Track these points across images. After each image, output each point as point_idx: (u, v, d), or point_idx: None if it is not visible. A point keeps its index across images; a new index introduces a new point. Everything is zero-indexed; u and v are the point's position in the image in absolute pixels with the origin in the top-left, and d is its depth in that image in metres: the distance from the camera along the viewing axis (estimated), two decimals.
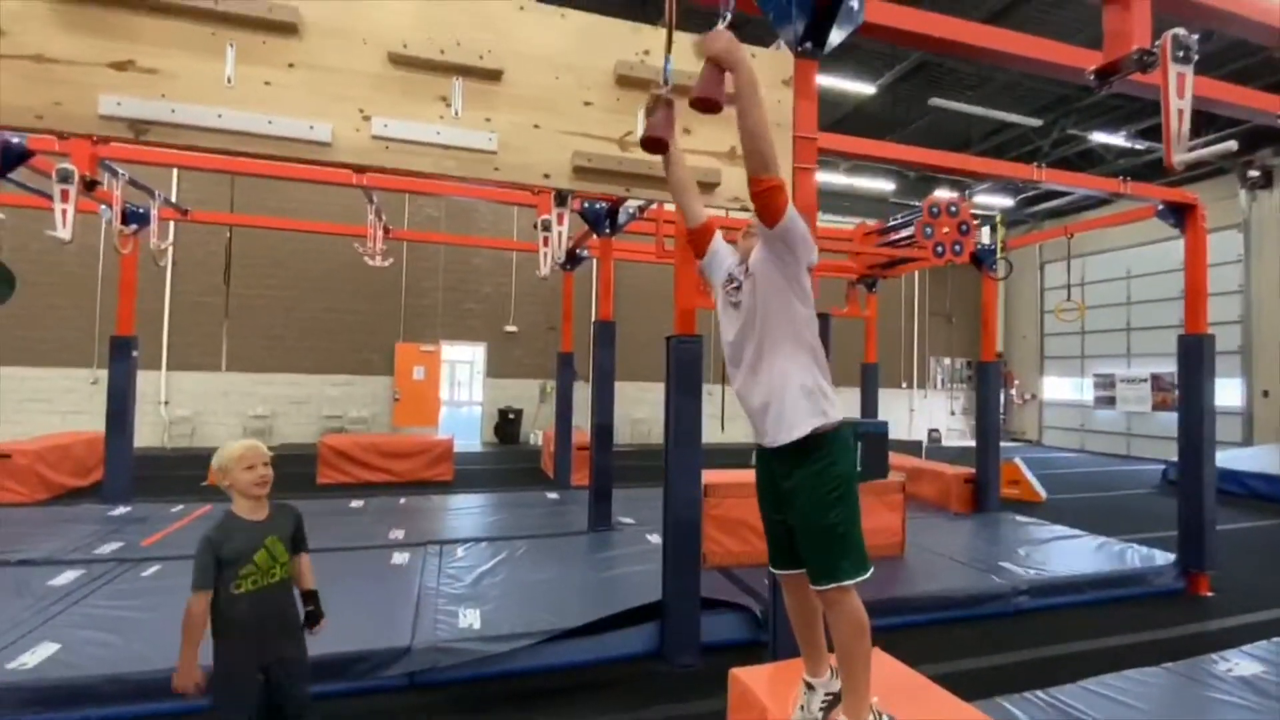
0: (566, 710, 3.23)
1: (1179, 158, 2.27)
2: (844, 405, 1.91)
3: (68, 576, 4.25)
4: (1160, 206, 5.45)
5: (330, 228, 8.89)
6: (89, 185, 4.22)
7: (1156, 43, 2.34)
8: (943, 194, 10.86)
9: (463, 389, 18.93)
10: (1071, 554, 5.59)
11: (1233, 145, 2.24)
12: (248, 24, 1.93)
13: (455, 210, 13.93)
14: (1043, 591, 4.74)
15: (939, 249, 5.21)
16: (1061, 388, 17.36)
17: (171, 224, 7.18)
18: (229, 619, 2.05)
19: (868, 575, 1.78)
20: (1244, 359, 12.96)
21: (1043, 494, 8.74)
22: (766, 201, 1.68)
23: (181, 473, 9.23)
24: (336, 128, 1.99)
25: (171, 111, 1.86)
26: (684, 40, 2.24)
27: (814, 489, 1.75)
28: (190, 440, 12.51)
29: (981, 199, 13.96)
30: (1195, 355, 5.24)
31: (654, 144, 1.86)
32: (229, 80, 1.92)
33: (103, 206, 5.38)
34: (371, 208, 6.61)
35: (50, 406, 11.99)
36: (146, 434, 12.13)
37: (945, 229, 5.25)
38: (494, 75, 2.14)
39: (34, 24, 1.80)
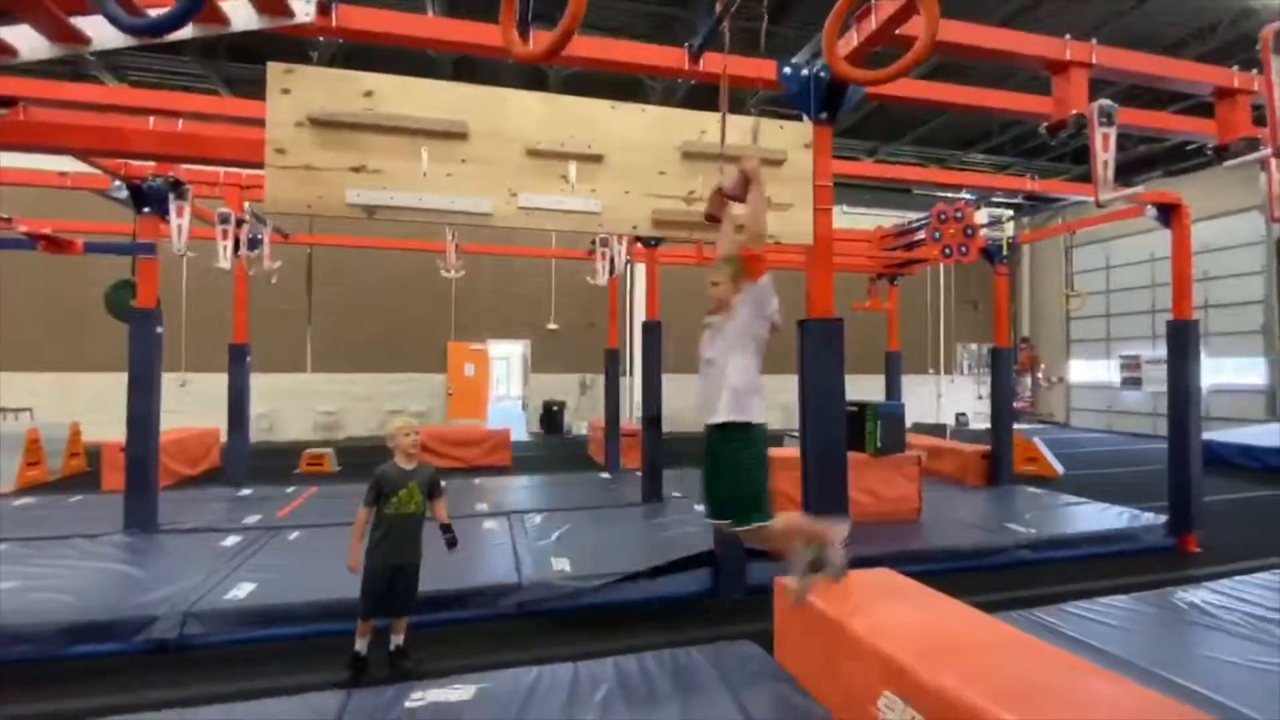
0: (643, 631, 4.11)
1: (1104, 197, 3.03)
2: (870, 391, 2.83)
3: (233, 539, 5.30)
4: (1151, 208, 6.08)
5: (400, 244, 9.93)
6: (239, 223, 5.23)
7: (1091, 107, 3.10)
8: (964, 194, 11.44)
9: (501, 384, 20.05)
10: (1073, 517, 6.29)
11: (1141, 189, 3.01)
12: (435, 134, 2.84)
13: None
14: (1041, 546, 5.47)
15: (947, 250, 5.93)
16: (1088, 370, 17.69)
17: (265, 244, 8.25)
18: (379, 528, 3.21)
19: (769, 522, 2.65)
20: (1266, 338, 13.25)
21: (1059, 469, 9.36)
22: (754, 266, 2.55)
23: (272, 462, 10.36)
24: (495, 202, 2.89)
25: (390, 198, 2.78)
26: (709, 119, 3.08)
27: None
28: (270, 435, 13.77)
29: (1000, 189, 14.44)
30: (1182, 338, 5.87)
31: (711, 219, 2.77)
32: (424, 174, 2.83)
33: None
34: (452, 230, 7.58)
35: None
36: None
37: (951, 232, 5.97)
38: (597, 158, 3.01)
39: (304, 145, 2.73)
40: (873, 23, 2.77)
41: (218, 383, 13.18)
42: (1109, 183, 3.03)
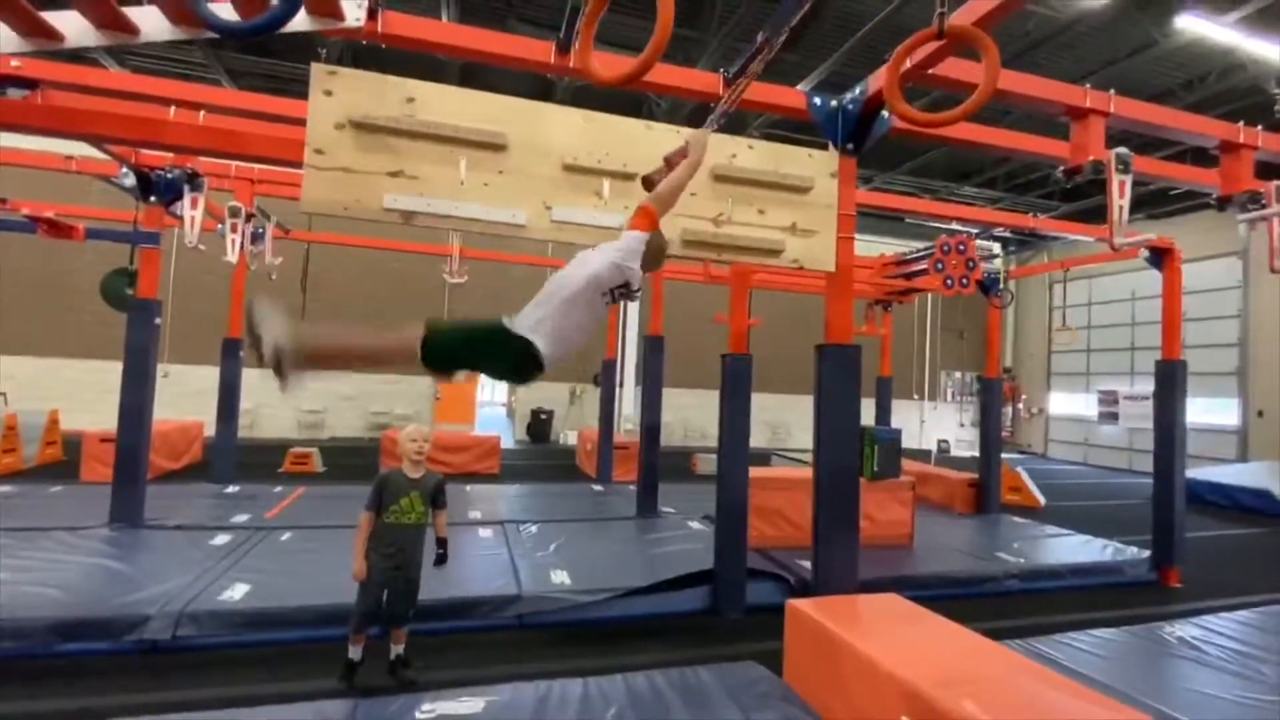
0: (641, 648, 4.10)
1: (1119, 241, 3.14)
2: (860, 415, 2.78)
3: (223, 539, 5.19)
4: (1145, 252, 6.27)
5: (399, 245, 9.87)
6: (248, 218, 5.18)
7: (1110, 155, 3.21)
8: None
9: (486, 389, 19.89)
10: (1058, 548, 6.41)
11: (1152, 237, 3.11)
12: (474, 144, 2.85)
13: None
14: (1030, 577, 5.57)
15: (948, 282, 6.06)
16: (1067, 403, 18.07)
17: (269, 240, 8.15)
18: (377, 537, 3.15)
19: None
20: (1240, 380, 13.67)
21: (1041, 500, 9.53)
22: (640, 219, 2.25)
23: (256, 459, 10.16)
24: (530, 214, 2.91)
25: (427, 205, 2.79)
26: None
27: None
28: (250, 431, 13.50)
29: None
30: (1169, 378, 6.04)
31: (646, 182, 2.54)
32: (462, 182, 2.84)
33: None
34: (456, 235, 7.56)
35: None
36: (211, 424, 13.23)
37: (954, 263, 6.10)
38: (631, 176, 3.05)
39: (343, 148, 2.73)
40: (907, 62, 2.85)
41: (198, 376, 13.03)
42: (1123, 226, 3.14)
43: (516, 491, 8.18)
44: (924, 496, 8.18)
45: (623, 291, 2.25)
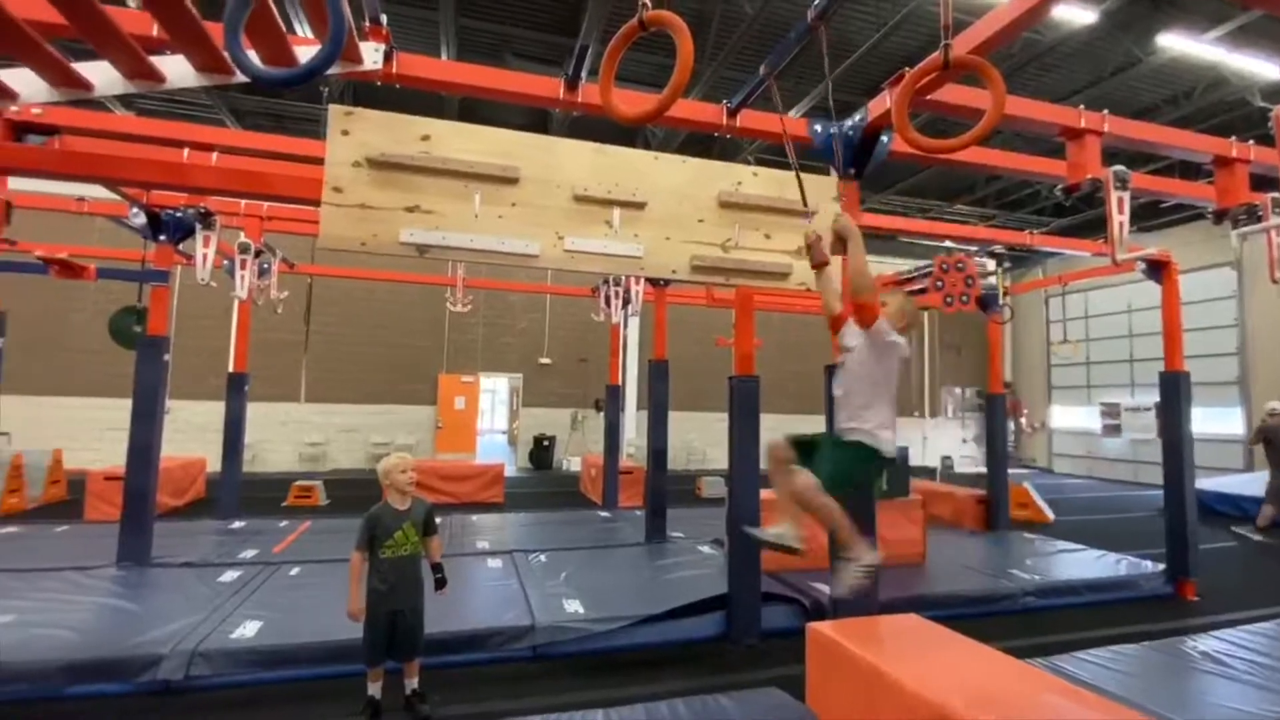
0: (657, 677, 4.05)
1: (1121, 256, 3.19)
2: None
3: (231, 575, 5.15)
4: (1142, 264, 6.35)
5: (401, 276, 9.96)
6: (257, 254, 5.25)
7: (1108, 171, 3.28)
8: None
9: (486, 417, 19.86)
10: (1073, 564, 6.37)
11: (1153, 251, 3.17)
12: (488, 179, 2.92)
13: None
14: (1046, 593, 5.53)
15: (948, 299, 6.12)
16: (1069, 416, 18.06)
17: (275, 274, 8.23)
18: (375, 574, 3.13)
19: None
20: (1241, 389, 13.71)
21: (1051, 515, 9.48)
22: (863, 315, 2.66)
23: (258, 493, 10.10)
24: (542, 245, 2.96)
25: (442, 238, 2.84)
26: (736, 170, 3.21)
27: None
28: (252, 465, 13.43)
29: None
30: (1173, 390, 6.08)
31: (818, 266, 2.88)
32: (476, 216, 2.90)
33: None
34: (460, 266, 7.64)
35: (122, 435, 13.04)
36: (212, 459, 13.17)
37: (953, 281, 6.17)
38: (640, 205, 3.11)
39: (360, 185, 2.79)
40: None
41: (198, 411, 13.01)
42: (1124, 242, 3.19)
43: (523, 520, 8.13)
44: (933, 514, 8.13)
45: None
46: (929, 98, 3.07)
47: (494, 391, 19.31)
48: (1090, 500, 12.60)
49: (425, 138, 2.87)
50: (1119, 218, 3.19)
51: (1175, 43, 8.18)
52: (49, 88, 2.33)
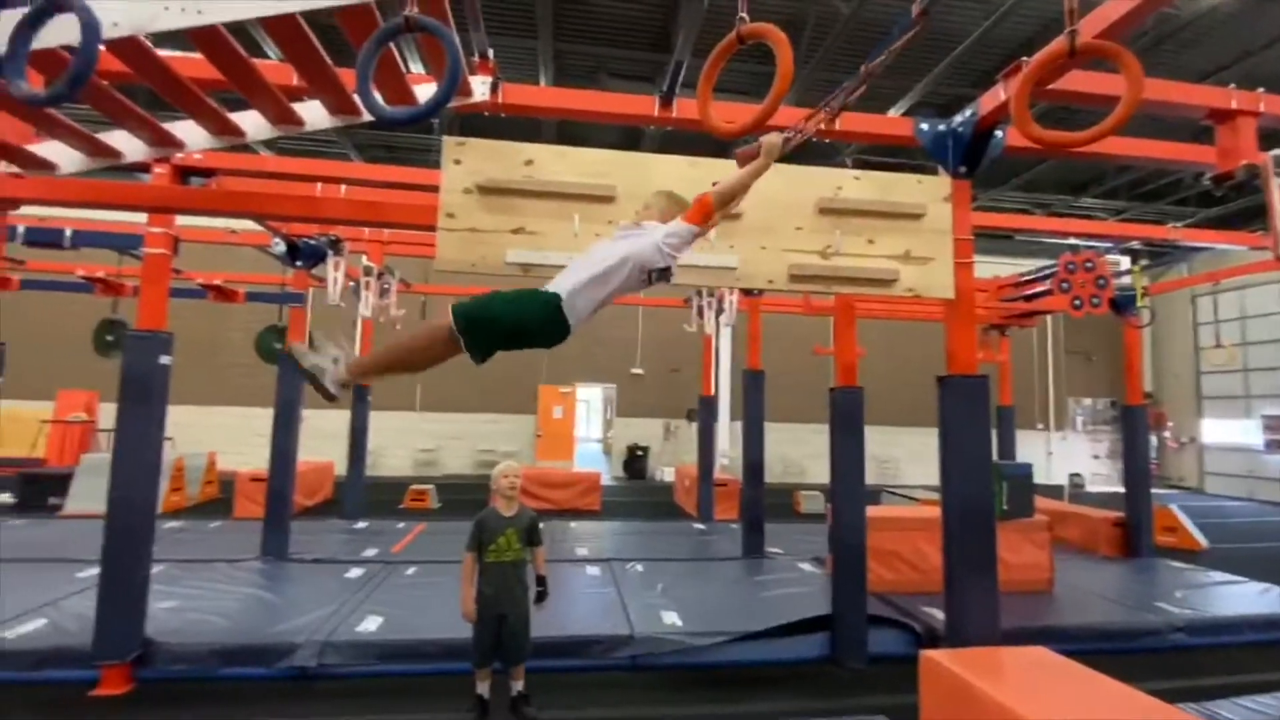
0: (760, 696, 3.96)
1: None
2: (991, 451, 2.60)
3: (356, 572, 5.57)
4: None
5: None
6: (379, 275, 5.69)
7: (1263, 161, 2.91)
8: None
9: (581, 426, 20.28)
10: (1231, 598, 5.62)
11: None
12: (586, 198, 3.01)
13: None
14: (1199, 630, 4.90)
15: (1077, 302, 5.60)
16: (1224, 430, 15.99)
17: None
18: (482, 577, 3.25)
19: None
20: None
21: (1203, 542, 8.41)
22: (696, 210, 2.28)
23: (377, 496, 10.83)
24: None
25: (543, 257, 2.95)
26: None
27: None
28: (373, 470, 14.46)
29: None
30: None
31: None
32: (576, 235, 2.99)
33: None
34: None
35: (265, 440, 14.53)
36: (339, 464, 14.42)
37: (1082, 282, 5.64)
38: (736, 216, 3.09)
39: (470, 210, 2.97)
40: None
41: (324, 418, 14.21)
42: None
43: (619, 529, 8.23)
44: (1061, 537, 7.45)
45: (660, 275, 2.34)
46: (1049, 87, 2.84)
47: (588, 401, 19.78)
48: (1251, 525, 11.06)
49: (529, 162, 3.01)
50: None
51: None
52: (208, 135, 2.67)
